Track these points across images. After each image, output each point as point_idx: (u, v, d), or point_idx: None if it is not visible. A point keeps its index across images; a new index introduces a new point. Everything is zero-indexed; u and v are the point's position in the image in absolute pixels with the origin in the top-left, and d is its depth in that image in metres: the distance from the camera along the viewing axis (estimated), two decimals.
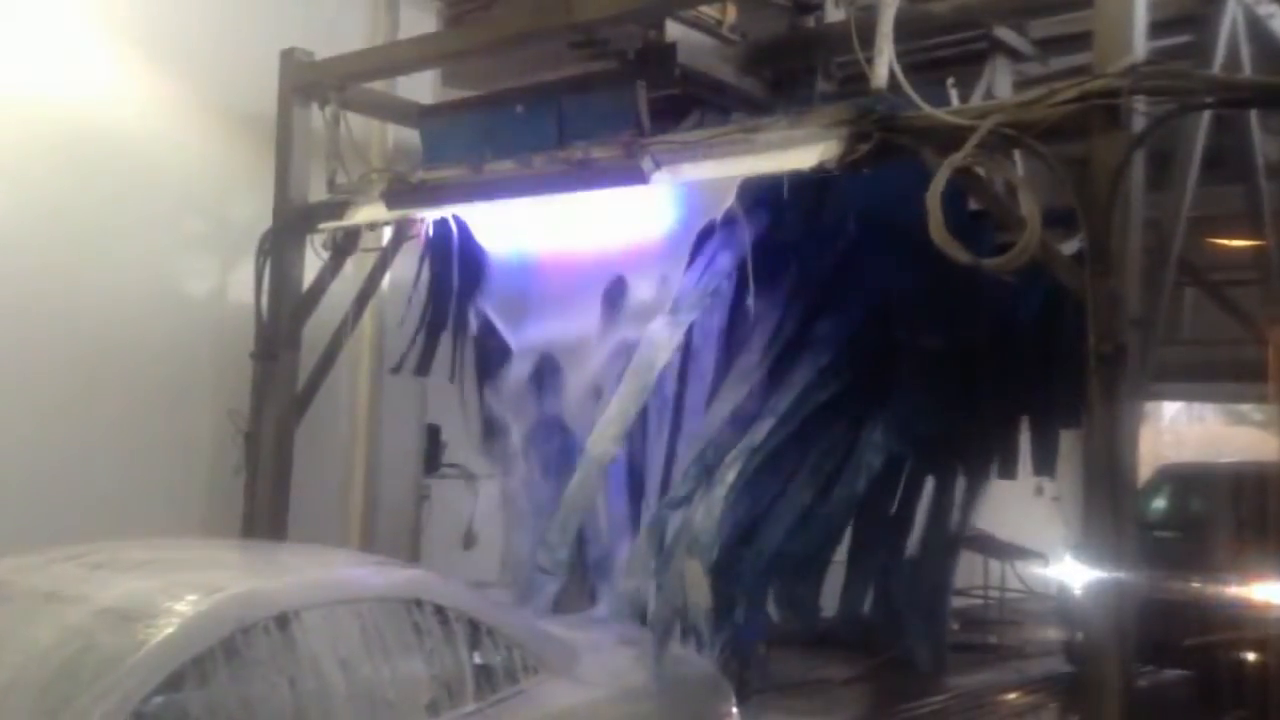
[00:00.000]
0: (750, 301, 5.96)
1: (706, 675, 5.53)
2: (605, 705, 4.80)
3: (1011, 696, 8.88)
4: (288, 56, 7.10)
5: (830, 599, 6.49)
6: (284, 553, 5.41)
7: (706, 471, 5.82)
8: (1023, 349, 6.01)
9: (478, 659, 4.39)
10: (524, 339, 6.67)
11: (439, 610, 4.31)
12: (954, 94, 5.22)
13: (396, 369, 7.26)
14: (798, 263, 6.16)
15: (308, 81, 7.05)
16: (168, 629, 3.55)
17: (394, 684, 4.02)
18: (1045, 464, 6.45)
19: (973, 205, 5.03)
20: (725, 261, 6.06)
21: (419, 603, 4.28)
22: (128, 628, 3.57)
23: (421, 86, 7.98)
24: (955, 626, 7.89)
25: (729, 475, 5.73)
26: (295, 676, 3.75)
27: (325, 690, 3.80)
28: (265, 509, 6.94)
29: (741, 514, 5.78)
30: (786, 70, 6.71)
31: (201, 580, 3.94)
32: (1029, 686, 9.12)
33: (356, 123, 7.15)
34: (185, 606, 3.67)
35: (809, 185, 5.17)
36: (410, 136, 7.69)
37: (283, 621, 3.79)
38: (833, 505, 6.02)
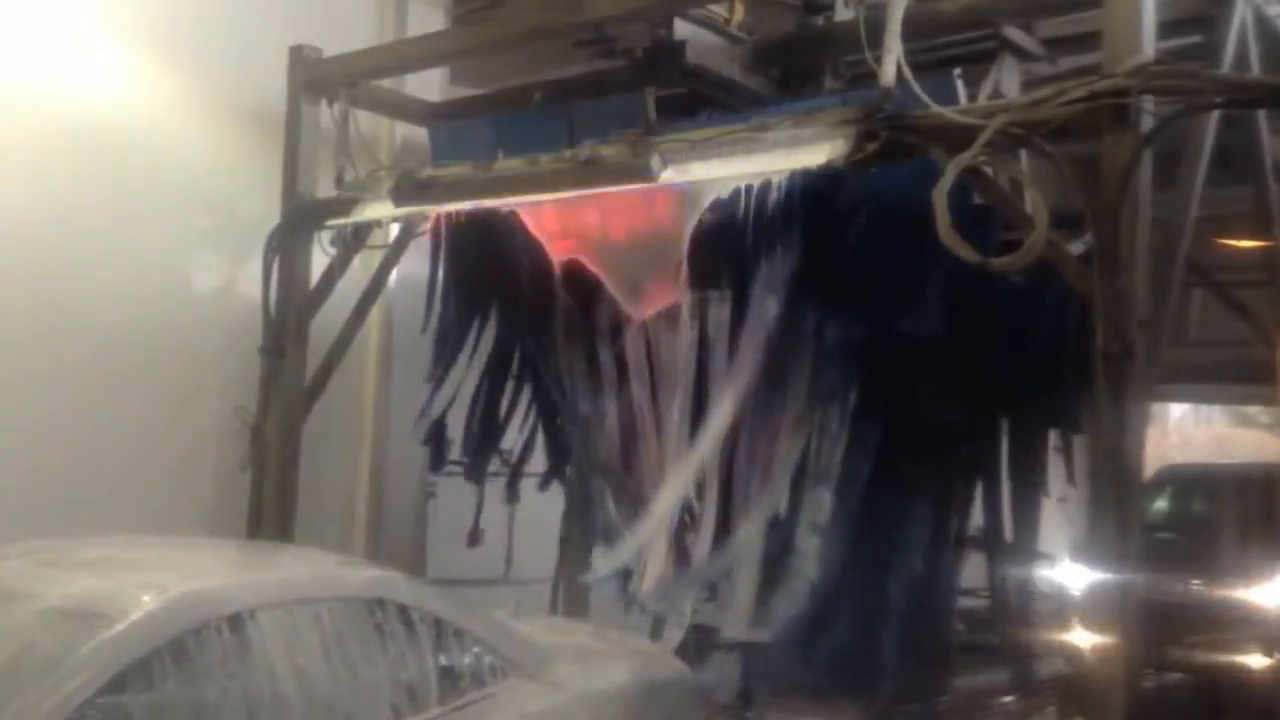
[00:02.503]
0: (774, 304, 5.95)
1: (680, 679, 5.41)
2: (576, 709, 4.64)
3: (1016, 698, 8.86)
4: (297, 53, 7.11)
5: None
6: (244, 551, 5.27)
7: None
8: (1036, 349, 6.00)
9: (443, 661, 4.27)
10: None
11: (402, 610, 4.20)
12: (960, 84, 5.20)
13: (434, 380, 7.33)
14: (813, 257, 6.09)
15: (317, 78, 7.06)
16: (112, 629, 3.45)
17: (353, 686, 3.91)
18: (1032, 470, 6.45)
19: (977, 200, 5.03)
20: (773, 304, 5.97)
21: (381, 602, 4.16)
22: (71, 627, 3.47)
23: (430, 84, 7.99)
24: (960, 627, 7.88)
25: (807, 564, 5.81)
26: (249, 679, 3.64)
27: (280, 693, 3.69)
28: (272, 504, 6.95)
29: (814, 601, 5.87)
30: (795, 69, 6.72)
31: (152, 579, 3.83)
32: (1033, 688, 9.09)
33: (365, 120, 7.17)
34: (132, 606, 3.56)
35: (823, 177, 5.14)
36: (418, 134, 7.70)
37: (236, 622, 3.68)
38: (893, 596, 6.02)
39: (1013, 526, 6.57)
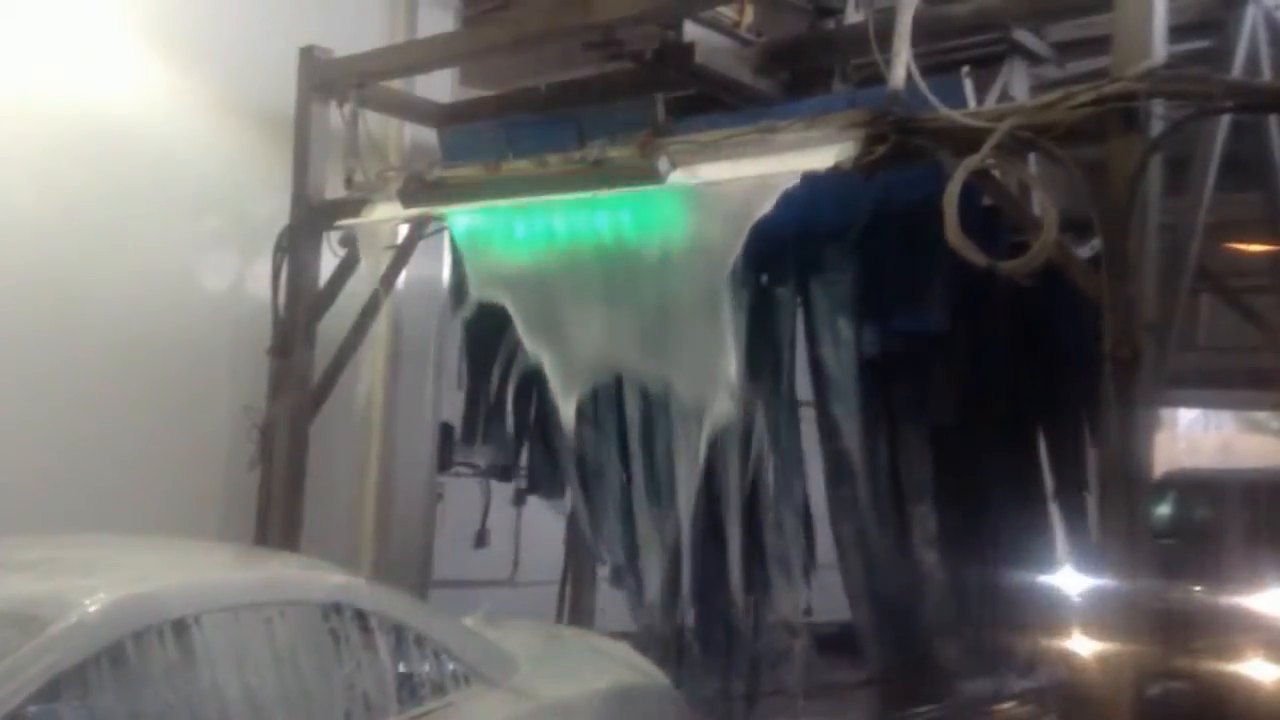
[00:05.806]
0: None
1: (656, 685, 5.29)
2: (539, 718, 4.50)
3: (1021, 703, 8.84)
4: (307, 54, 7.12)
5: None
6: (200, 554, 5.06)
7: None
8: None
9: (402, 668, 4.16)
10: None
11: (360, 616, 4.06)
12: (969, 83, 5.20)
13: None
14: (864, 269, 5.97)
15: (326, 79, 7.07)
16: (45, 633, 3.31)
17: (305, 694, 3.77)
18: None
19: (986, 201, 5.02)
20: (844, 325, 5.93)
21: (337, 608, 4.03)
22: (3, 631, 3.33)
23: (439, 85, 8.01)
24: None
25: (936, 571, 6.08)
26: (194, 687, 3.51)
27: (227, 702, 3.56)
28: (279, 504, 6.95)
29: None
30: (803, 71, 6.71)
31: (94, 581, 3.68)
32: (1038, 692, 9.07)
33: (374, 121, 7.17)
34: (68, 609, 3.42)
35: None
36: (428, 135, 7.72)
37: (180, 627, 3.54)
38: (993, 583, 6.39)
39: (1063, 528, 6.64)
